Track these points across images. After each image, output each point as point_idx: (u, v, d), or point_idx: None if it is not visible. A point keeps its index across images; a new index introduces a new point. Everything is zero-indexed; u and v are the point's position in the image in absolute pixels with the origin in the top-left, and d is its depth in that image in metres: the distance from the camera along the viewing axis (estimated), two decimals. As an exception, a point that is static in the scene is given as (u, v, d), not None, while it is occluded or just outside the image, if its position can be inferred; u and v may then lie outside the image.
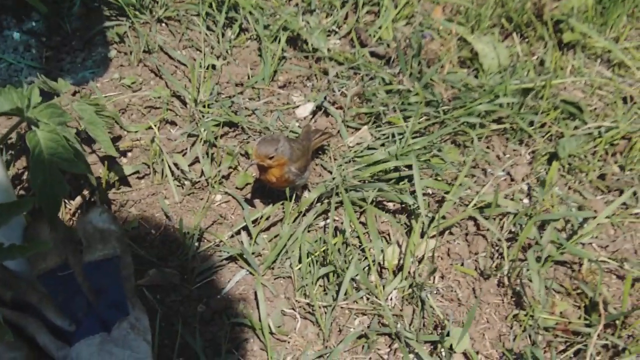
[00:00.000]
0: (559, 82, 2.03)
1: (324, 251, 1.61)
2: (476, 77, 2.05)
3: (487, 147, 1.90)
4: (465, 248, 1.67)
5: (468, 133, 1.88)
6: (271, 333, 1.51)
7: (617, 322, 1.50)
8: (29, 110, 1.41)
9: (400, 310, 1.55)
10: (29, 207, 1.25)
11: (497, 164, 1.85)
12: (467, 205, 1.71)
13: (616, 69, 2.13)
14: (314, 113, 1.97)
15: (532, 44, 2.16)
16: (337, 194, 1.67)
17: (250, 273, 1.60)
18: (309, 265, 1.60)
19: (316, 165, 1.85)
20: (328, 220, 1.68)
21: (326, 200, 1.71)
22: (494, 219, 1.70)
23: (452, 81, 1.99)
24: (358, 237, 1.65)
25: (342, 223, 1.65)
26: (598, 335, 1.48)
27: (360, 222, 1.68)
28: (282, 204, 1.71)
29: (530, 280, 1.58)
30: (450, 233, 1.70)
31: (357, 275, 1.56)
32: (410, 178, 1.77)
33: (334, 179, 1.74)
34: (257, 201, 1.75)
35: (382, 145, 1.87)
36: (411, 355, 1.47)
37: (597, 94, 2.05)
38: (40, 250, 1.20)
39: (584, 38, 2.15)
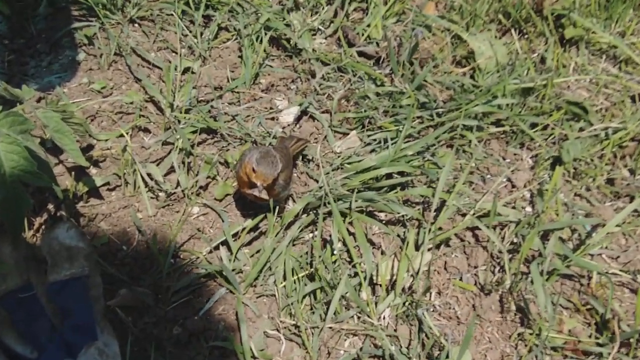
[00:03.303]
0: (562, 81, 2.03)
1: (310, 266, 1.59)
2: (472, 77, 2.05)
3: (486, 152, 1.89)
4: (463, 261, 1.66)
5: (465, 137, 1.87)
6: (253, 357, 1.48)
7: (632, 340, 1.48)
8: (-14, 120, 1.39)
9: (395, 330, 1.53)
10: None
11: (497, 169, 1.84)
12: (465, 215, 1.70)
13: (623, 65, 2.13)
14: (298, 118, 1.96)
15: (531, 40, 2.16)
16: (325, 204, 1.66)
17: (231, 291, 1.57)
18: (295, 282, 1.58)
19: (301, 173, 1.83)
20: (315, 233, 1.66)
21: (313, 211, 1.69)
22: (494, 228, 1.69)
23: (447, 82, 1.98)
24: (348, 250, 1.63)
25: (330, 236, 1.63)
26: (610, 355, 1.46)
27: (350, 234, 1.66)
28: (265, 216, 1.69)
29: (535, 296, 1.55)
30: (448, 245, 1.68)
31: (347, 292, 1.53)
32: (403, 186, 1.76)
33: (321, 187, 1.72)
34: (237, 213, 1.73)
35: (373, 151, 1.85)
36: (406, 379, 1.45)
37: (603, 93, 2.04)
38: (0, 270, 1.19)
39: (588, 33, 2.15)
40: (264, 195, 1.57)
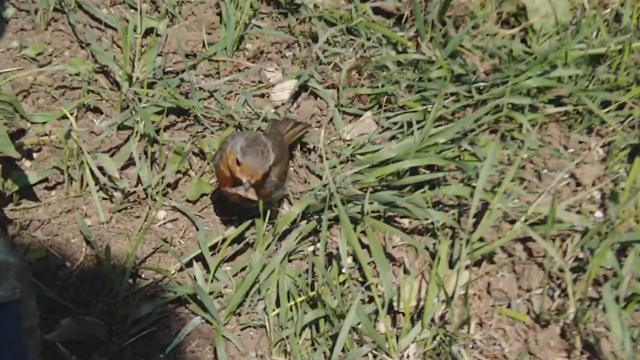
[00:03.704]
0: (643, 46, 2.04)
1: (311, 289, 1.60)
2: (524, 41, 2.04)
3: (542, 139, 1.89)
4: (512, 283, 1.66)
5: (514, 119, 1.88)
6: (237, 407, 1.50)
7: None
8: None
9: (422, 372, 1.54)
10: None
11: (556, 162, 1.85)
12: (514, 222, 1.70)
13: None
14: (296, 95, 1.96)
15: (602, -8, 2.17)
16: (330, 207, 1.66)
17: (207, 321, 1.58)
18: (291, 310, 1.58)
19: (300, 167, 1.84)
20: (317, 245, 1.67)
21: (314, 217, 1.70)
22: (553, 240, 1.69)
23: (490, 47, 1.98)
24: (360, 268, 1.63)
25: (337, 248, 1.64)
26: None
27: (364, 247, 1.67)
28: (253, 222, 1.70)
29: (608, 329, 1.55)
30: (492, 261, 1.69)
31: (359, 323, 1.54)
32: (432, 184, 1.76)
33: (325, 186, 1.73)
34: (216, 219, 1.74)
35: (393, 138, 1.86)
36: None
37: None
38: None
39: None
40: (252, 195, 1.57)
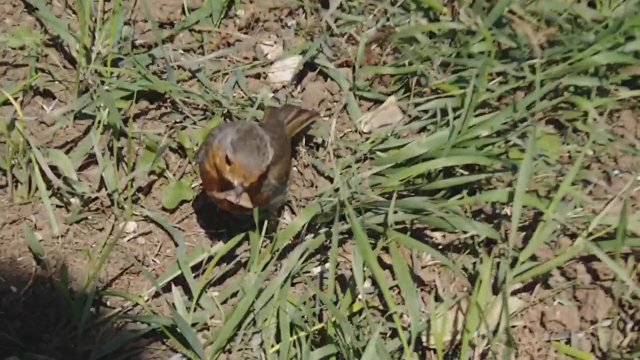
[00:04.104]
0: None
1: (319, 319, 1.63)
2: (592, 4, 2.05)
3: (613, 131, 1.91)
4: (573, 312, 1.69)
5: (577, 106, 1.90)
6: None
7: None
8: None
9: None
10: None
11: (631, 160, 1.86)
12: (575, 236, 1.72)
13: None
14: (300, 75, 2.00)
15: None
16: (342, 217, 1.69)
17: (189, 359, 1.63)
18: (294, 346, 1.61)
19: (305, 166, 1.88)
20: (327, 265, 1.71)
21: (323, 230, 1.74)
22: (625, 259, 1.71)
23: (548, 13, 1.98)
24: (380, 294, 1.67)
25: (351, 269, 1.66)
26: None
27: (385, 267, 1.70)
28: (246, 236, 1.73)
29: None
30: (547, 286, 1.72)
31: None
32: (472, 188, 1.79)
33: (336, 190, 1.76)
34: (200, 232, 1.78)
35: (423, 130, 1.88)
36: None
37: None
38: None
39: None
40: (245, 202, 1.60)
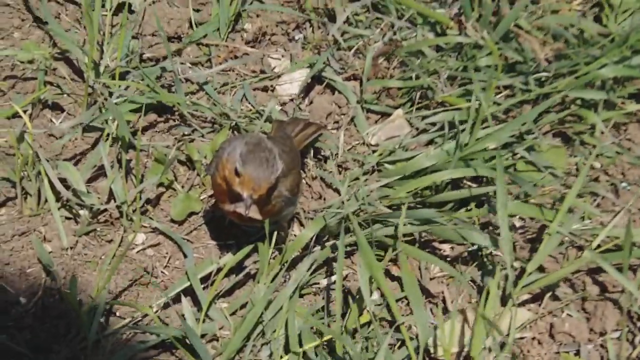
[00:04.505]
0: None
1: (328, 329, 1.62)
2: (598, 19, 2.05)
3: (620, 144, 1.91)
4: (582, 324, 1.69)
5: (584, 119, 1.91)
6: None
7: None
8: None
9: None
10: None
11: (638, 172, 1.87)
12: (582, 249, 1.73)
13: None
14: (308, 88, 2.01)
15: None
16: (349, 229, 1.70)
17: (199, 372, 1.62)
18: (303, 357, 1.61)
19: (313, 179, 1.89)
20: (333, 278, 1.72)
21: (331, 241, 1.75)
22: (633, 271, 1.72)
23: (554, 27, 1.99)
24: (387, 305, 1.67)
25: (357, 281, 1.66)
26: None
27: (394, 279, 1.71)
28: (254, 248, 1.73)
29: None
30: (555, 297, 1.72)
31: None
32: (480, 200, 1.80)
33: (344, 202, 1.77)
34: (209, 243, 1.79)
35: (430, 142, 1.89)
36: None
37: None
38: None
39: None
40: (254, 213, 1.60)
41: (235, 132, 1.92)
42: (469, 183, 1.82)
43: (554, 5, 2.08)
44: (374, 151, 1.92)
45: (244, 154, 1.54)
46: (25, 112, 1.85)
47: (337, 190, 1.86)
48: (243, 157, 1.53)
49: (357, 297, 1.66)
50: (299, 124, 1.85)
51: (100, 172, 1.84)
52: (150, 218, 1.82)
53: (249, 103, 1.98)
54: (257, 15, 2.12)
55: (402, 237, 1.71)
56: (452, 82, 1.98)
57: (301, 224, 1.83)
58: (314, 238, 1.73)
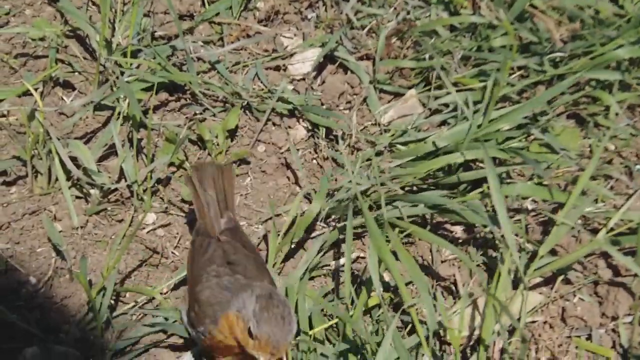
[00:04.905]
0: None
1: (338, 311, 1.62)
2: (614, 0, 2.04)
3: (635, 125, 1.90)
4: (594, 308, 1.69)
5: (599, 100, 1.90)
6: None
7: None
8: None
9: (477, 419, 1.58)
10: None
11: None
12: (596, 232, 1.71)
13: None
14: (320, 67, 2.00)
15: None
16: (359, 210, 1.69)
17: (208, 353, 1.62)
18: (314, 340, 1.62)
19: (324, 159, 1.89)
20: (342, 260, 1.72)
21: (341, 223, 1.75)
22: None
23: (570, 8, 1.97)
24: (395, 288, 1.67)
25: (366, 265, 1.66)
26: None
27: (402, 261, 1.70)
28: (265, 236, 1.75)
29: None
30: (567, 281, 1.72)
31: (397, 358, 1.56)
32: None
33: (354, 182, 1.75)
34: None
35: (443, 123, 1.89)
36: None
37: None
38: None
39: None
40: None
41: (247, 111, 1.93)
42: (481, 164, 1.80)
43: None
44: (386, 131, 1.91)
45: (257, 312, 1.41)
46: (36, 90, 1.85)
47: (347, 170, 1.83)
48: (257, 316, 1.41)
49: (367, 279, 1.65)
50: (209, 170, 1.70)
51: (111, 151, 1.85)
52: (161, 198, 1.82)
53: (261, 82, 1.98)
54: (270, -6, 2.11)
55: (414, 218, 1.71)
56: (466, 63, 1.97)
57: (308, 200, 1.83)
58: (323, 218, 1.74)
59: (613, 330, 1.68)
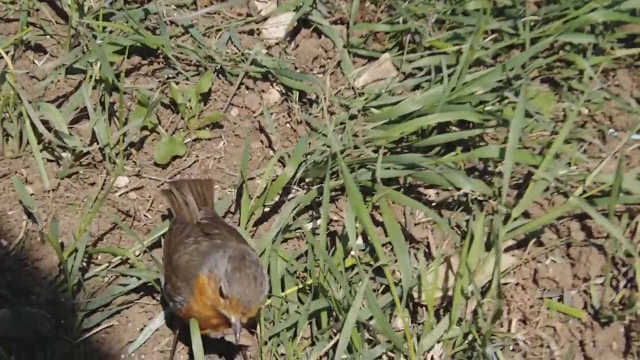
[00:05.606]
0: None
1: (311, 275, 1.63)
2: None
3: (608, 90, 1.91)
4: (566, 270, 1.70)
5: (573, 63, 1.90)
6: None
7: None
8: None
9: (449, 380, 1.58)
10: None
11: (627, 118, 1.87)
12: (568, 195, 1.72)
13: None
14: (294, 31, 2.00)
15: None
16: (334, 172, 1.70)
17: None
18: (286, 301, 1.63)
19: (298, 123, 1.89)
20: (319, 222, 1.71)
21: (316, 185, 1.75)
22: (619, 217, 1.72)
23: None
24: (371, 249, 1.68)
25: (343, 226, 1.68)
26: None
27: (378, 224, 1.71)
28: (238, 200, 1.76)
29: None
30: (539, 243, 1.72)
31: (370, 317, 1.58)
32: (466, 145, 1.80)
33: (329, 146, 1.75)
34: None
35: (417, 87, 1.89)
36: None
37: None
38: None
39: None
40: (246, 339, 1.53)
41: (220, 75, 1.92)
42: (455, 128, 1.82)
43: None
44: (360, 94, 1.91)
45: (229, 272, 1.41)
46: (7, 53, 1.85)
47: (323, 134, 1.85)
48: (228, 276, 1.41)
49: (342, 240, 1.66)
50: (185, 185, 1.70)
51: (83, 115, 1.84)
52: (133, 161, 1.81)
53: (235, 46, 1.97)
54: (243, -45, 2.10)
55: (387, 182, 1.71)
56: (440, 26, 1.97)
57: (283, 165, 1.82)
58: (296, 180, 1.73)
59: (585, 291, 1.69)
